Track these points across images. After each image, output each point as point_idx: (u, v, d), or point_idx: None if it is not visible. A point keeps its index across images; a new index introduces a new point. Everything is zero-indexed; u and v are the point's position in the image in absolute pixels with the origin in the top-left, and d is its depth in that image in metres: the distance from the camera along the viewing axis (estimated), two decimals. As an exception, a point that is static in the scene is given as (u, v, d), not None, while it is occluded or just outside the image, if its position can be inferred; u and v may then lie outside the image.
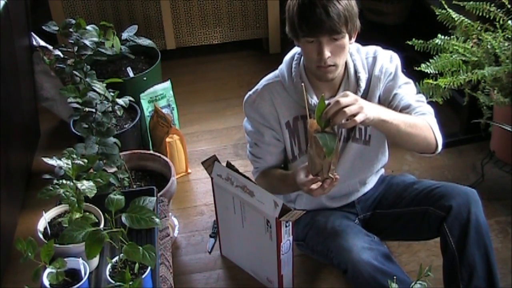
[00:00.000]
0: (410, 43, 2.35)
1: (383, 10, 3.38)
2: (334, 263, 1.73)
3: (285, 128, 1.80)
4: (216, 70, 3.33)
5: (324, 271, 2.07)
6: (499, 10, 2.26)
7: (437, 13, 2.35)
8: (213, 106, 3.02)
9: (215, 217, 2.11)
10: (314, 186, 1.58)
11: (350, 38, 1.63)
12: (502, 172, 2.41)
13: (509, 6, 2.25)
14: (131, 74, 2.68)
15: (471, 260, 1.66)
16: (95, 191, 1.43)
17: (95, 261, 1.49)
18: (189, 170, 2.59)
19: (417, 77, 2.13)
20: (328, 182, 1.57)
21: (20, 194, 2.42)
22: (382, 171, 1.99)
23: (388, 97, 1.75)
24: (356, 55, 1.75)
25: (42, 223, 1.49)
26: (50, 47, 2.57)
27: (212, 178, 1.96)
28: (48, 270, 1.35)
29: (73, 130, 2.35)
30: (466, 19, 2.29)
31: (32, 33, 2.61)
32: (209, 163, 1.94)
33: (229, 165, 1.90)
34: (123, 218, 1.34)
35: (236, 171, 1.87)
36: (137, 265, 1.38)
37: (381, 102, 1.76)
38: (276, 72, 1.82)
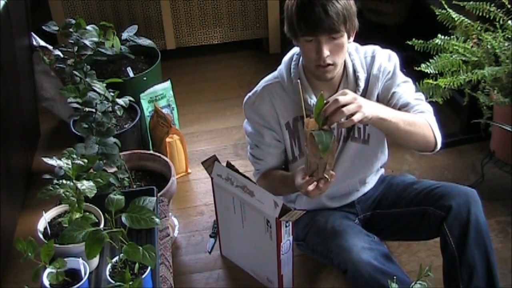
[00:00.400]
0: (410, 43, 2.35)
1: (383, 10, 3.38)
2: (334, 263, 1.73)
3: (285, 129, 1.80)
4: (216, 70, 3.33)
5: (324, 271, 2.07)
6: (499, 10, 2.26)
7: (437, 13, 2.35)
8: (213, 106, 3.02)
9: (215, 217, 2.11)
10: (310, 187, 1.57)
11: (348, 37, 1.63)
12: (502, 172, 2.41)
13: (509, 6, 2.25)
14: (131, 74, 2.68)
15: (471, 260, 1.66)
16: (95, 191, 1.43)
17: (95, 261, 1.49)
18: (189, 170, 2.59)
19: (417, 77, 2.13)
20: (323, 182, 1.56)
21: (20, 194, 2.42)
22: (382, 171, 1.99)
23: (387, 96, 1.75)
24: (354, 54, 1.75)
25: (42, 223, 1.49)
26: (50, 47, 2.57)
27: (212, 178, 1.96)
28: (48, 270, 1.35)
29: (73, 130, 2.35)
30: (466, 19, 2.29)
31: (32, 33, 2.61)
32: (209, 163, 1.94)
33: (229, 165, 1.90)
34: (123, 218, 1.34)
35: (236, 171, 1.87)
36: (137, 265, 1.38)
37: (379, 100, 1.76)
38: (275, 73, 1.82)
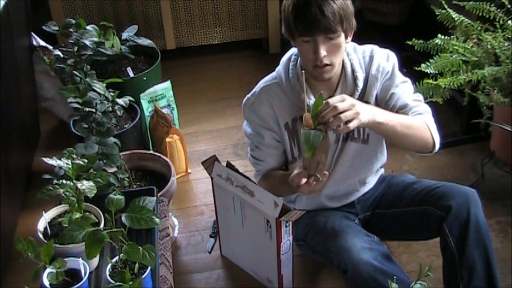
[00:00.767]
0: (410, 43, 2.35)
1: (383, 10, 3.38)
2: (334, 263, 1.73)
3: (284, 129, 1.80)
4: (216, 70, 3.33)
5: (324, 271, 2.07)
6: (499, 10, 2.26)
7: (437, 13, 2.35)
8: (213, 106, 3.02)
9: (215, 217, 2.11)
10: (302, 181, 1.55)
11: (346, 37, 1.63)
12: (502, 172, 2.41)
13: (509, 6, 2.25)
14: (131, 74, 2.68)
15: (470, 260, 1.66)
16: (95, 191, 1.43)
17: (95, 261, 1.49)
18: (189, 170, 2.59)
19: (417, 77, 2.13)
20: (313, 179, 1.55)
21: (20, 194, 2.42)
22: (382, 171, 1.99)
23: (385, 97, 1.75)
24: (353, 54, 1.75)
25: (42, 223, 1.49)
26: (50, 47, 2.57)
27: (212, 178, 1.96)
28: (48, 270, 1.35)
29: (73, 130, 2.35)
30: (466, 19, 2.29)
31: (32, 33, 2.61)
32: (209, 163, 1.94)
33: (229, 165, 1.90)
34: (123, 218, 1.34)
35: (236, 171, 1.87)
36: (137, 265, 1.38)
37: (378, 101, 1.76)
38: (274, 74, 1.82)
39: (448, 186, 1.76)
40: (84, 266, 1.38)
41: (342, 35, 1.60)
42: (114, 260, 1.41)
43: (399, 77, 1.76)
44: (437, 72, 2.22)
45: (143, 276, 1.37)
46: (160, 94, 2.62)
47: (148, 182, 2.19)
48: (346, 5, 1.59)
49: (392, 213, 1.87)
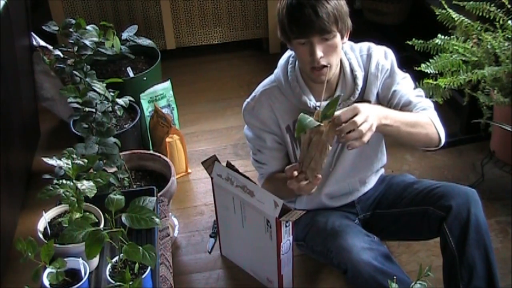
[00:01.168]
0: (410, 43, 2.35)
1: (383, 10, 3.38)
2: (334, 263, 1.73)
3: (286, 132, 1.80)
4: (216, 70, 3.32)
5: (324, 271, 2.07)
6: (499, 10, 2.26)
7: (437, 13, 2.35)
8: (213, 106, 3.02)
9: (215, 217, 2.11)
10: (294, 173, 1.54)
11: (342, 38, 1.63)
12: (502, 172, 2.41)
13: (509, 6, 2.25)
14: (131, 74, 2.68)
15: (471, 260, 1.66)
16: (95, 191, 1.43)
17: (95, 261, 1.49)
18: (189, 170, 2.59)
19: (417, 77, 2.13)
20: (303, 176, 1.54)
21: (20, 194, 2.42)
22: (382, 171, 1.99)
23: (387, 95, 1.75)
24: (350, 53, 1.74)
25: (42, 223, 1.49)
26: (50, 47, 2.57)
27: (212, 178, 1.96)
28: (48, 270, 1.35)
29: (73, 130, 2.35)
30: (466, 19, 2.29)
31: (32, 33, 2.61)
32: (209, 163, 1.94)
33: (229, 165, 1.90)
34: (123, 218, 1.34)
35: (236, 171, 1.87)
36: (137, 265, 1.38)
37: (380, 99, 1.76)
38: (272, 77, 1.81)
39: (448, 186, 1.76)
40: (84, 266, 1.38)
41: (338, 35, 1.60)
42: (114, 260, 1.41)
43: (399, 73, 1.76)
44: (437, 72, 2.22)
45: (143, 276, 1.37)
46: (160, 94, 2.62)
47: (148, 182, 2.19)
48: (340, 6, 1.58)
49: (392, 213, 1.87)
